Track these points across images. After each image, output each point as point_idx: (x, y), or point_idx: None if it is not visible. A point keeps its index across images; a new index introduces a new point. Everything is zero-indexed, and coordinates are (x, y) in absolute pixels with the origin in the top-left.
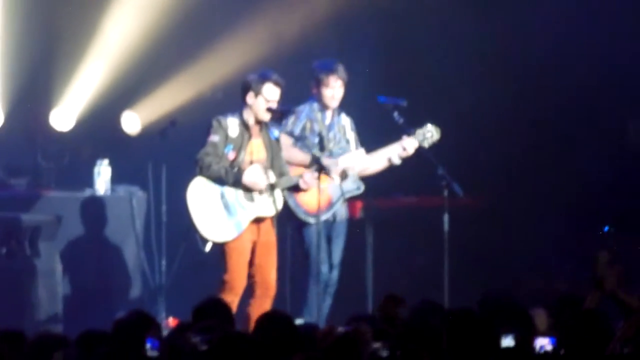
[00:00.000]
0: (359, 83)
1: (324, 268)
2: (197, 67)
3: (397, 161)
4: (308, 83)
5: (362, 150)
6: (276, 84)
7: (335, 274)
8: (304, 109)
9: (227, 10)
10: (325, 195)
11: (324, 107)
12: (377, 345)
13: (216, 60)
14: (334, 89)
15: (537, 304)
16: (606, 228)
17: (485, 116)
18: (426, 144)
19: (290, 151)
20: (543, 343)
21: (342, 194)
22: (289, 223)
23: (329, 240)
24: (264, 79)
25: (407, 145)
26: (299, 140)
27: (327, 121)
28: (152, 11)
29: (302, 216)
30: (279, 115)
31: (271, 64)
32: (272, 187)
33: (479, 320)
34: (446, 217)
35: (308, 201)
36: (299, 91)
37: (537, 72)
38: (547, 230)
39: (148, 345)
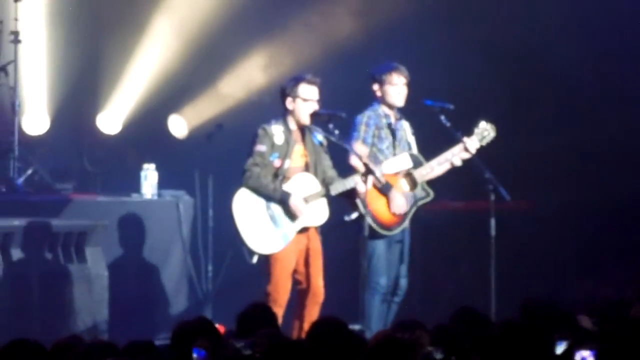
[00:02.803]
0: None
1: (383, 280)
2: (244, 70)
3: (458, 163)
4: (361, 87)
5: (405, 154)
6: (311, 82)
7: (404, 282)
8: (371, 114)
9: (273, 12)
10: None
11: (389, 108)
12: (430, 348)
13: (264, 63)
14: (398, 86)
15: (582, 310)
16: None
17: (532, 120)
18: (484, 142)
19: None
20: (584, 355)
21: (413, 204)
22: (357, 235)
23: (398, 252)
24: (297, 80)
25: (469, 146)
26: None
27: (392, 125)
28: (198, 14)
29: (379, 229)
30: (326, 118)
31: (320, 67)
32: (322, 196)
33: (526, 328)
34: (493, 222)
35: (382, 214)
36: (348, 94)
37: (583, 75)
38: (594, 234)
39: (195, 356)
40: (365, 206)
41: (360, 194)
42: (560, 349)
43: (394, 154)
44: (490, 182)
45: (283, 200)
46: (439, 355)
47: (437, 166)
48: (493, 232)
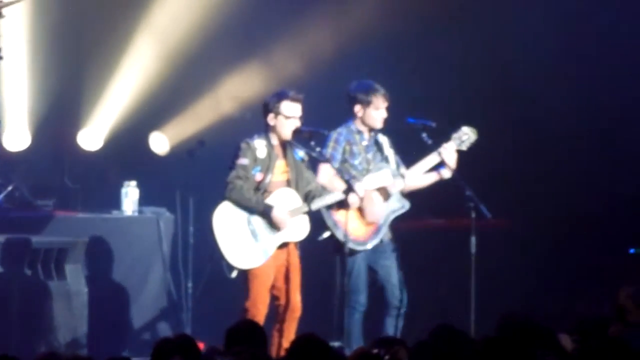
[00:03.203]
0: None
1: (362, 298)
2: (225, 86)
3: (447, 175)
4: (340, 104)
5: (390, 168)
6: (294, 100)
7: (404, 295)
8: (342, 131)
9: (255, 29)
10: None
11: (368, 128)
12: None
13: (246, 79)
14: (381, 110)
15: (562, 327)
16: (632, 250)
17: (512, 139)
18: (464, 147)
19: (333, 181)
20: None
21: (388, 214)
22: (336, 253)
23: (379, 266)
24: (280, 97)
25: (444, 153)
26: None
27: (365, 142)
28: (179, 32)
29: (352, 245)
30: (308, 135)
31: (301, 83)
32: (303, 212)
33: (505, 343)
34: (473, 239)
35: (354, 229)
36: (330, 112)
37: (564, 94)
38: (575, 252)
39: None
40: (334, 224)
41: (352, 204)
42: None
43: (368, 170)
44: (471, 199)
45: (266, 213)
46: None
47: (416, 175)
48: (473, 249)
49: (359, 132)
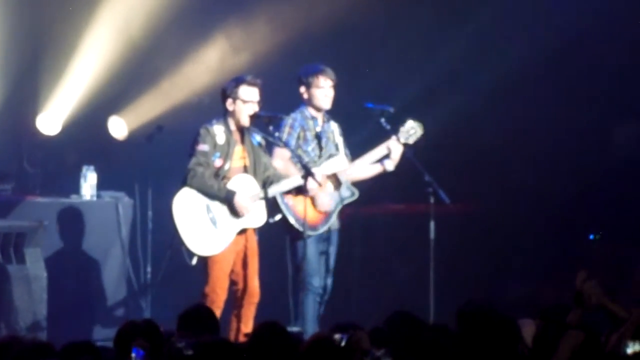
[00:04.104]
0: (345, 90)
1: (316, 281)
2: (184, 72)
3: (390, 167)
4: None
5: (342, 156)
6: (251, 84)
7: (329, 282)
8: (296, 117)
9: (214, 14)
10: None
11: (316, 110)
12: (379, 352)
13: (203, 65)
14: (324, 89)
15: (524, 313)
16: (591, 236)
17: (471, 121)
18: (411, 141)
19: (288, 165)
20: None
21: (338, 202)
22: (286, 235)
23: (324, 251)
24: (237, 82)
25: (391, 145)
26: (294, 151)
27: (319, 128)
28: (138, 15)
29: (302, 229)
30: (267, 120)
31: (262, 68)
32: (260, 198)
33: (459, 333)
34: (432, 224)
35: (304, 213)
36: (292, 97)
37: (525, 77)
38: (534, 237)
39: (133, 355)
40: (287, 207)
41: (310, 190)
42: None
43: (320, 156)
44: (430, 184)
45: (228, 199)
46: (381, 356)
47: (363, 166)
48: (432, 234)
49: (313, 118)
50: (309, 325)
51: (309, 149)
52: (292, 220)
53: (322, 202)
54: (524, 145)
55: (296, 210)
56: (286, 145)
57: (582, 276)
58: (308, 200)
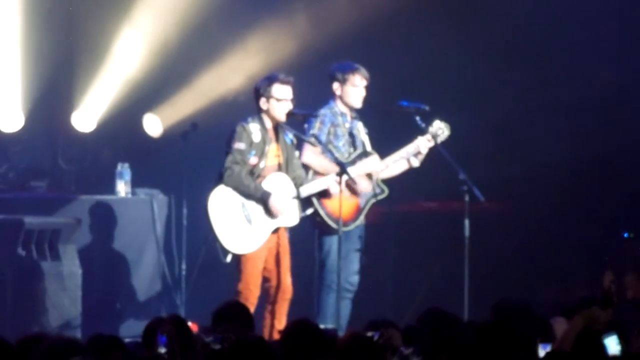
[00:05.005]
0: (378, 87)
1: (335, 277)
2: (219, 70)
3: (416, 164)
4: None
5: (375, 155)
6: (284, 82)
7: (356, 279)
8: (326, 113)
9: (249, 12)
10: (354, 203)
11: (348, 108)
12: (408, 351)
13: (238, 62)
14: (359, 88)
15: (557, 311)
16: (626, 234)
17: (508, 121)
18: (439, 141)
19: (321, 160)
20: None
21: (369, 199)
22: (314, 231)
23: (351, 248)
24: (270, 80)
25: (421, 145)
26: (325, 146)
27: (348, 124)
28: (174, 14)
29: (334, 225)
30: (301, 118)
31: (295, 66)
32: (293, 198)
33: (498, 330)
34: (467, 222)
35: (337, 209)
36: (324, 95)
37: (564, 79)
38: (569, 236)
39: (159, 341)
40: (319, 202)
41: (334, 194)
42: (543, 352)
43: (350, 152)
44: (465, 182)
45: (263, 199)
46: (410, 354)
47: (392, 164)
48: (467, 232)
49: (342, 114)
50: (328, 321)
51: (340, 144)
52: (324, 216)
53: (362, 186)
54: (558, 144)
55: (328, 205)
56: (319, 142)
57: (609, 276)
58: (342, 197)
